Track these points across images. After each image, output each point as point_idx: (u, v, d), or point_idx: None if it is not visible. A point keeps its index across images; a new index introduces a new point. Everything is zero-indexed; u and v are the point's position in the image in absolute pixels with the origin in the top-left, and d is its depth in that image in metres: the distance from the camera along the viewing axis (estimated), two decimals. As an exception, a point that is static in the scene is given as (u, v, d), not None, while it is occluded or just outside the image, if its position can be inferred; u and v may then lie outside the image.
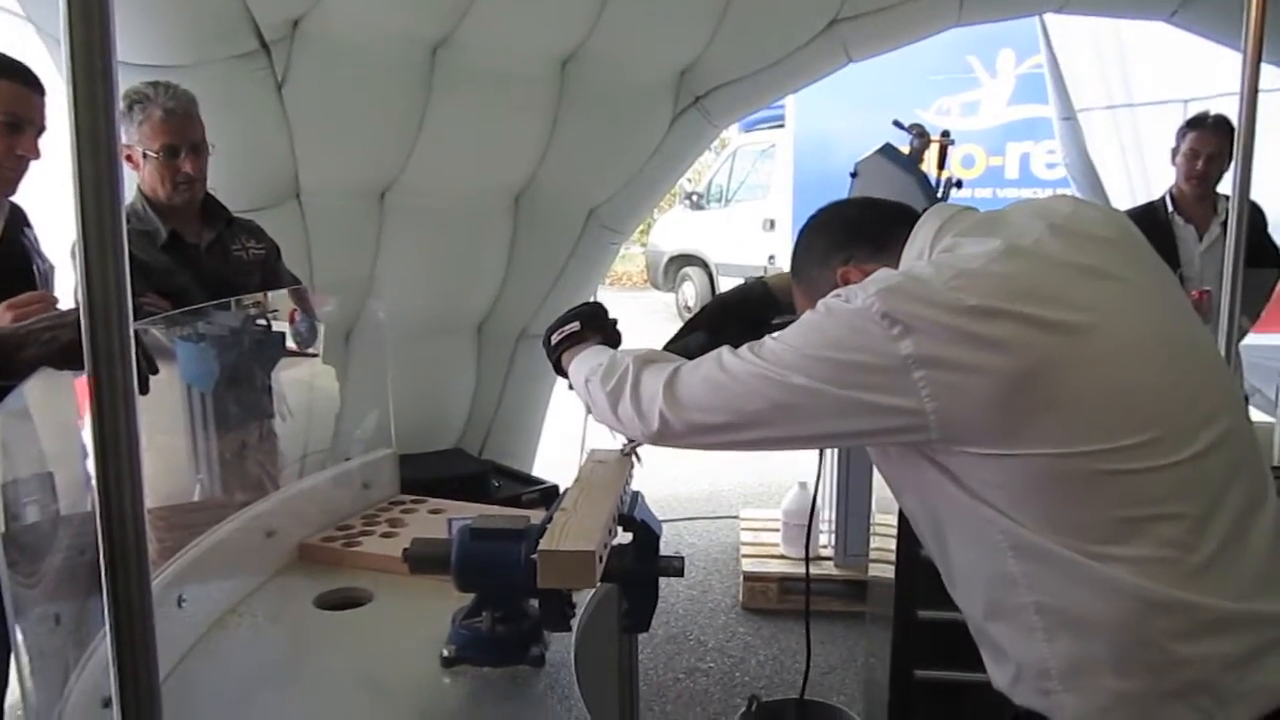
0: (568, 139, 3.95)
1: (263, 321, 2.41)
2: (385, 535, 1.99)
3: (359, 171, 3.58)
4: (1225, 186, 3.04)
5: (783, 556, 4.17)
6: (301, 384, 2.65)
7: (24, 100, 1.95)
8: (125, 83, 2.25)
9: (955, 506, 1.17)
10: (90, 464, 0.90)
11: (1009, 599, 1.16)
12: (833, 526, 4.07)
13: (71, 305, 1.71)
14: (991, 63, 9.91)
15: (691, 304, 12.66)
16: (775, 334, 1.20)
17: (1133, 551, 1.09)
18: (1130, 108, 6.34)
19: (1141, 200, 4.04)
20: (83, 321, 0.87)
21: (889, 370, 1.10)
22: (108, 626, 0.90)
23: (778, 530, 4.24)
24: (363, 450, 2.31)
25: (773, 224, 11.70)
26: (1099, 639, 1.11)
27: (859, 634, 3.63)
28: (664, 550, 1.46)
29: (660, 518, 1.52)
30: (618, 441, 1.62)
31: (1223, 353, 2.48)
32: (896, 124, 4.02)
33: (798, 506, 4.11)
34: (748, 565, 4.16)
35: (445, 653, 1.48)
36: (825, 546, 4.12)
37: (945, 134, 4.02)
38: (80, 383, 1.04)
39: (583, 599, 1.62)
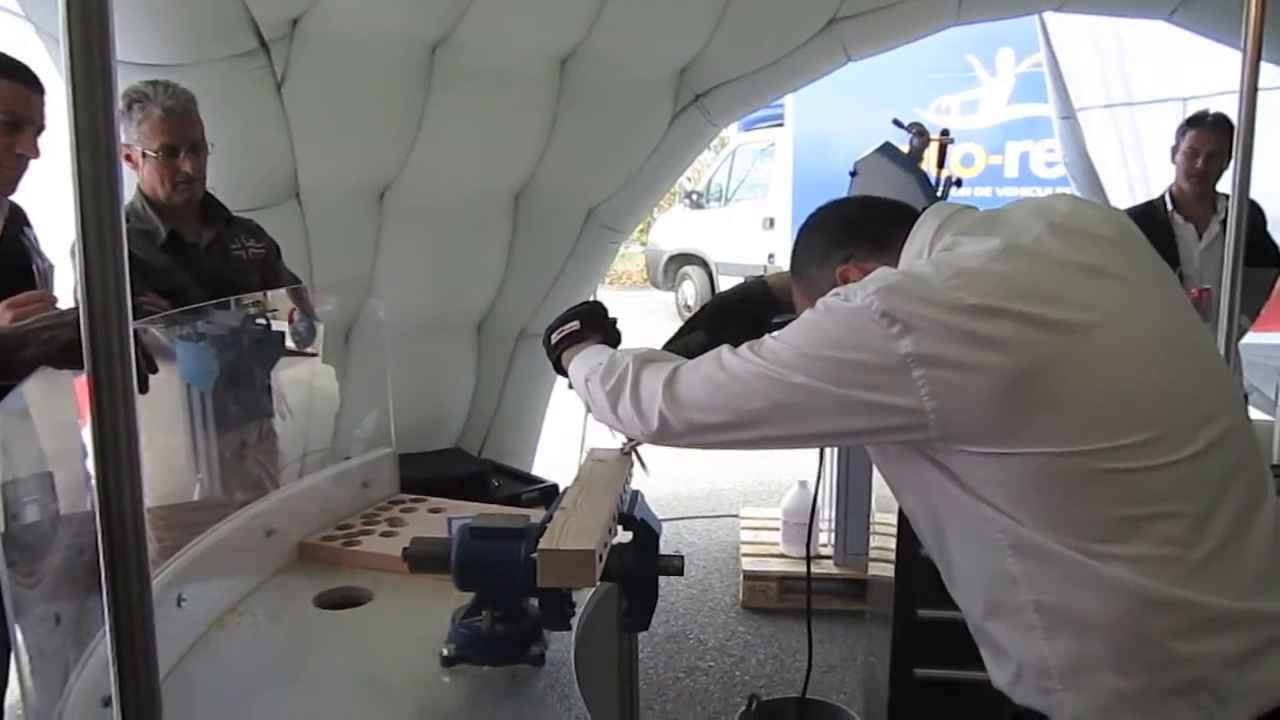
0: (567, 138, 3.95)
1: (262, 321, 2.41)
2: (385, 534, 1.99)
3: (358, 171, 3.58)
4: (1225, 185, 3.04)
5: (783, 555, 4.18)
6: (301, 383, 2.65)
7: (23, 99, 1.95)
8: (124, 82, 2.25)
9: (955, 505, 1.17)
10: (90, 463, 0.90)
11: (1009, 598, 1.17)
12: (833, 525, 4.07)
13: (71, 304, 1.71)
14: (991, 61, 9.91)
15: (691, 303, 12.67)
16: (775, 333, 1.20)
17: (1132, 550, 1.09)
18: (1129, 106, 6.34)
19: (1141, 199, 4.04)
20: (82, 321, 0.87)
21: (888, 369, 1.10)
22: (107, 626, 0.90)
23: (778, 529, 4.24)
24: (362, 449, 2.31)
25: (772, 223, 11.70)
26: (1099, 638, 1.11)
27: (859, 633, 3.63)
28: (664, 549, 1.46)
29: (660, 517, 1.52)
30: (617, 441, 1.62)
31: (1222, 351, 2.48)
32: (896, 123, 4.01)
33: (798, 505, 4.11)
34: (748, 564, 4.16)
35: (445, 652, 1.48)
36: (825, 545, 4.12)
37: (945, 133, 4.01)
38: (80, 382, 1.05)
39: (582, 598, 1.62)
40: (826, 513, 4.10)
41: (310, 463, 2.52)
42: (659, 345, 1.54)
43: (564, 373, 1.56)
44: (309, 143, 3.32)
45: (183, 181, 2.48)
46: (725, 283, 11.65)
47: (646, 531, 1.46)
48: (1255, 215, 3.16)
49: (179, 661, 1.51)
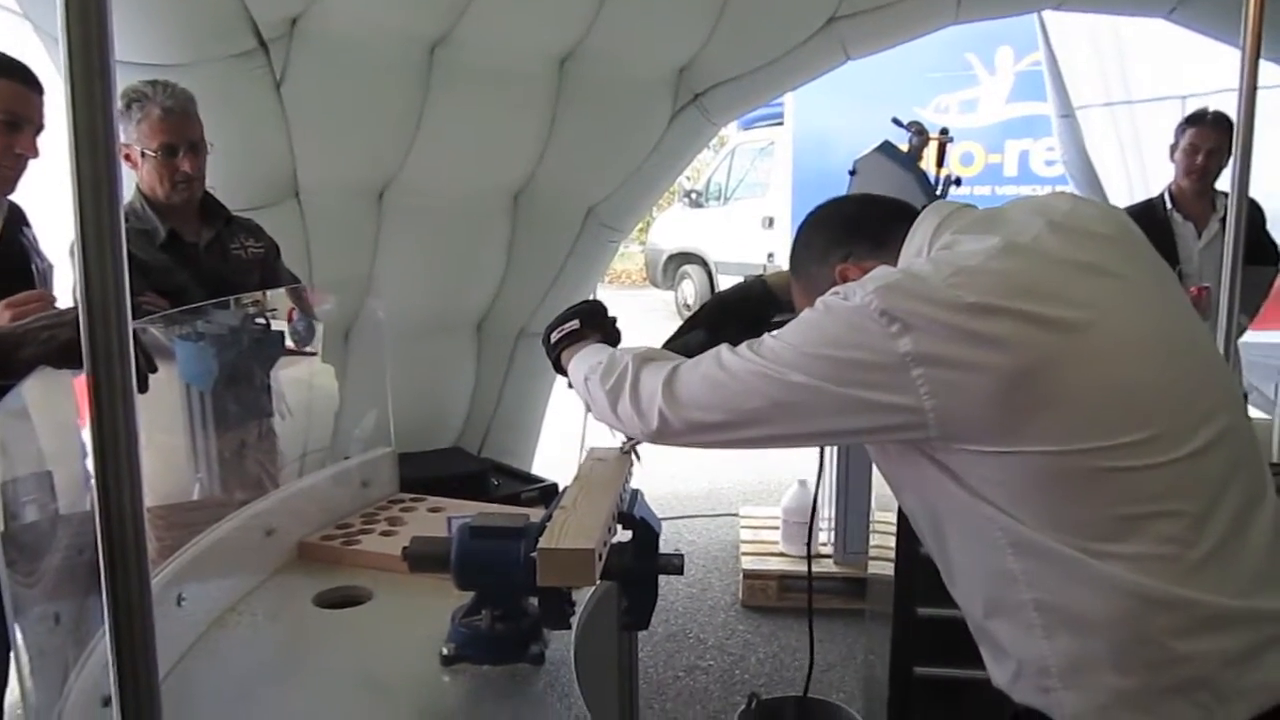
0: (566, 137, 3.94)
1: (262, 320, 2.40)
2: (384, 534, 1.99)
3: (358, 170, 3.58)
4: (1224, 183, 3.04)
5: (782, 554, 4.18)
6: (300, 383, 2.65)
7: (22, 99, 1.95)
8: (123, 81, 2.25)
9: (954, 504, 1.17)
10: (89, 463, 0.90)
11: (1008, 596, 1.17)
12: (832, 524, 4.07)
13: (70, 304, 1.71)
14: (990, 60, 9.91)
15: (691, 302, 12.67)
16: (774, 332, 1.20)
17: (1132, 549, 1.09)
18: (1129, 105, 6.34)
19: (1140, 197, 4.04)
20: (81, 320, 0.87)
21: (888, 368, 1.10)
22: (107, 625, 0.90)
23: (777, 528, 4.25)
24: (362, 449, 2.31)
25: (771, 222, 11.70)
26: (1098, 636, 1.11)
27: (858, 631, 3.63)
28: (663, 548, 1.46)
29: (660, 515, 1.52)
30: (617, 439, 1.62)
31: (1222, 350, 2.48)
32: (895, 121, 4.01)
33: (797, 504, 4.11)
34: (747, 563, 4.16)
35: (445, 651, 1.48)
36: (825, 544, 4.12)
37: (944, 131, 4.01)
38: (79, 382, 1.05)
39: (582, 597, 1.62)
40: (826, 511, 4.10)
41: (310, 462, 2.52)
42: (658, 344, 1.54)
43: (563, 372, 1.56)
44: (308, 142, 3.32)
45: (182, 181, 2.48)
46: (724, 282, 11.65)
47: (646, 530, 1.46)
48: (1254, 213, 3.16)
49: (179, 661, 1.51)
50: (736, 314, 1.66)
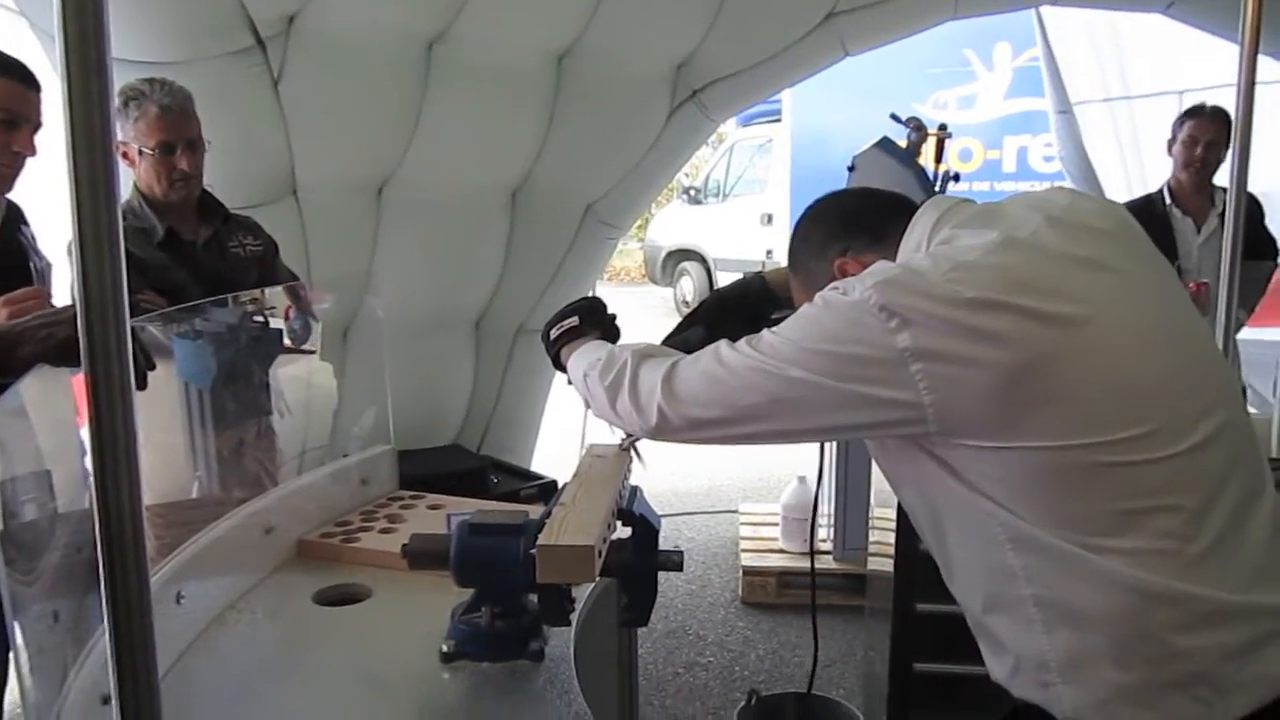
0: (564, 134, 3.94)
1: (260, 318, 2.40)
2: (384, 531, 1.99)
3: (356, 167, 3.57)
4: (1222, 178, 3.04)
5: (782, 551, 4.18)
6: (299, 380, 2.64)
7: (20, 97, 1.94)
8: (120, 79, 2.25)
9: (954, 499, 1.18)
10: (88, 461, 0.90)
11: (1008, 592, 1.17)
12: (832, 521, 4.07)
13: (68, 302, 1.71)
14: (988, 56, 9.91)
15: (689, 299, 12.66)
16: (773, 327, 1.20)
17: (1131, 544, 1.09)
18: (1127, 100, 6.34)
19: (1138, 193, 4.04)
20: (79, 318, 0.87)
21: (887, 363, 1.10)
22: (106, 623, 0.90)
23: (777, 525, 4.25)
24: (361, 446, 2.31)
25: (770, 218, 11.70)
26: (1098, 631, 1.11)
27: (858, 628, 3.63)
28: (663, 545, 1.46)
29: (659, 512, 1.52)
30: (616, 436, 1.62)
31: (1220, 345, 2.48)
32: (893, 118, 4.01)
33: (797, 501, 4.11)
34: (747, 560, 4.16)
35: (444, 648, 1.48)
36: (824, 541, 4.12)
37: (942, 127, 4.01)
38: (77, 380, 1.05)
39: (582, 594, 1.62)
40: (825, 508, 4.10)
41: (309, 460, 2.52)
42: (657, 341, 1.54)
43: (563, 368, 1.56)
44: (306, 140, 3.32)
45: (179, 179, 2.47)
46: (723, 279, 11.63)
47: (646, 527, 1.46)
48: (1253, 209, 3.16)
49: (178, 659, 1.51)
50: (735, 310, 1.66)
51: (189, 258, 2.54)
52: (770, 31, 4.24)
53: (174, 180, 2.47)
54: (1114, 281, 1.17)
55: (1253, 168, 2.52)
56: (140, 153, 2.44)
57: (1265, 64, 2.62)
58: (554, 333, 1.58)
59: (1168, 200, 3.71)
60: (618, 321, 1.64)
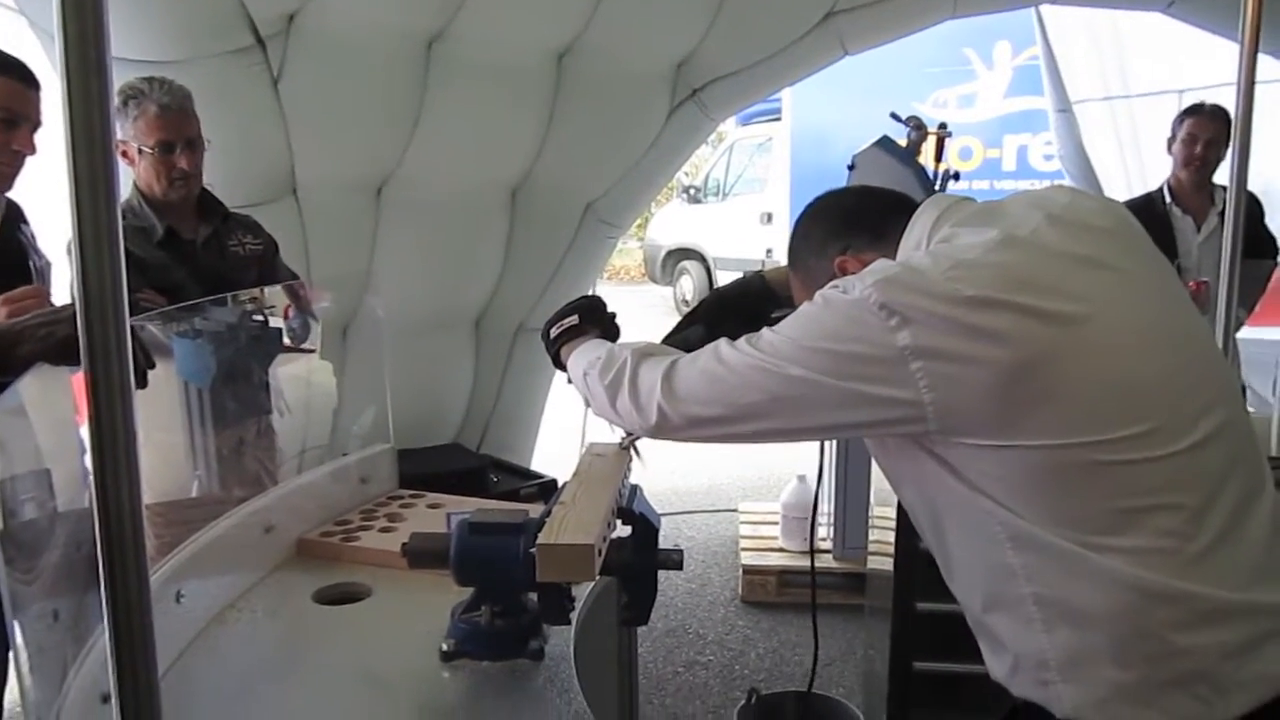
0: (564, 133, 3.94)
1: (260, 317, 2.40)
2: (384, 530, 1.99)
3: (355, 166, 3.57)
4: (1222, 177, 3.04)
5: (781, 550, 4.18)
6: (299, 379, 2.64)
7: (19, 96, 1.94)
8: (120, 78, 2.25)
9: (953, 498, 1.17)
10: (87, 460, 0.90)
11: (1007, 590, 1.17)
12: (831, 519, 4.07)
13: (68, 301, 1.71)
14: (988, 55, 9.91)
15: (689, 298, 12.66)
16: (773, 326, 1.20)
17: (1131, 542, 1.09)
18: (1127, 99, 6.34)
19: (1138, 192, 4.04)
20: (79, 317, 0.87)
21: (887, 361, 1.10)
22: (106, 622, 0.90)
23: (777, 524, 4.25)
24: (360, 445, 2.31)
25: (770, 217, 11.71)
26: (1097, 630, 1.11)
27: (858, 626, 3.63)
28: (663, 544, 1.46)
29: (659, 511, 1.52)
30: (616, 435, 1.62)
31: (1220, 344, 2.48)
32: (893, 116, 4.01)
33: (796, 500, 4.11)
34: (747, 558, 4.16)
35: (444, 647, 1.48)
36: (824, 539, 4.12)
37: (942, 126, 4.00)
38: (77, 379, 1.05)
39: (582, 592, 1.62)
40: (825, 507, 4.10)
41: (308, 459, 2.52)
42: (657, 340, 1.54)
43: (563, 367, 1.56)
44: (306, 138, 3.32)
45: (179, 178, 2.47)
46: (723, 278, 11.61)
47: (645, 526, 1.46)
48: (1253, 207, 3.16)
49: (178, 658, 1.51)
50: (735, 309, 1.66)
51: (188, 256, 2.54)
52: (770, 30, 4.24)
53: (173, 179, 2.47)
54: (1114, 280, 1.17)
55: (1252, 166, 2.52)
56: (140, 151, 2.44)
57: (1265, 62, 2.62)
58: (554, 331, 1.58)
59: (1167, 199, 3.70)
60: (617, 320, 1.63)
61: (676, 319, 1.74)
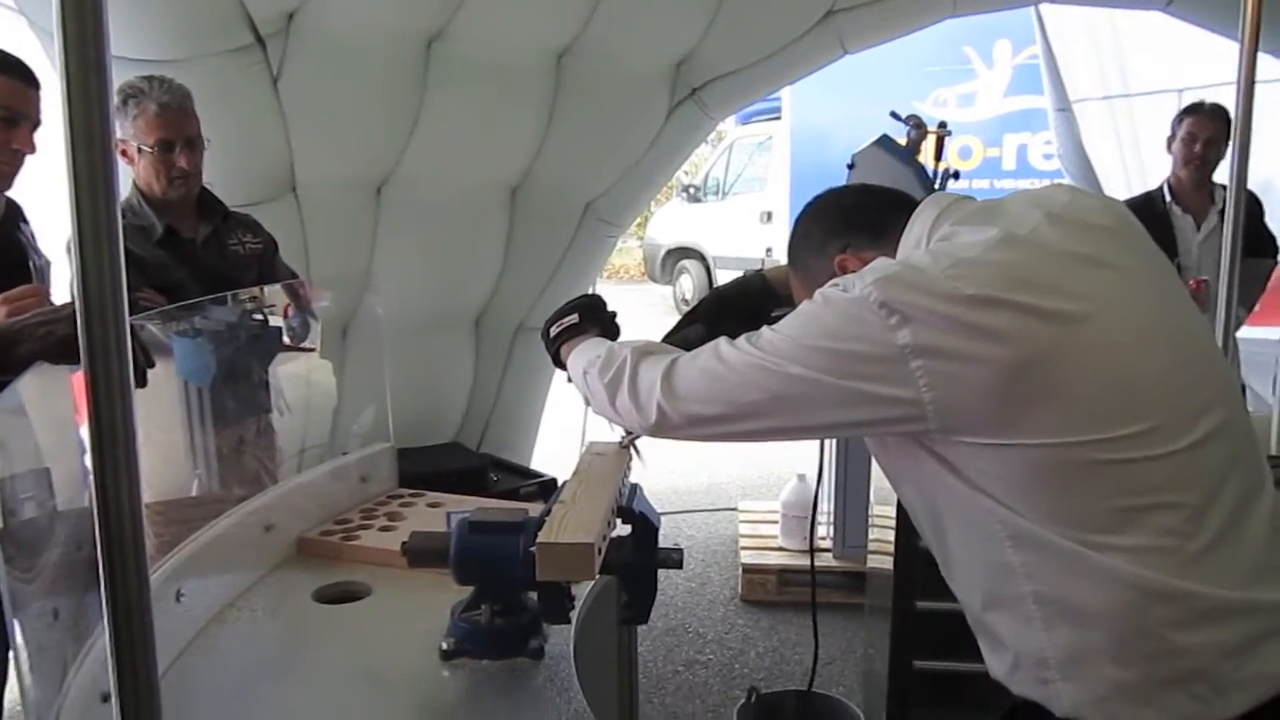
0: (564, 132, 3.94)
1: (260, 316, 2.40)
2: (383, 529, 1.99)
3: (355, 165, 3.57)
4: (1221, 176, 3.04)
5: (781, 549, 4.18)
6: (299, 378, 2.64)
7: (19, 95, 1.94)
8: (119, 77, 2.25)
9: (953, 497, 1.17)
10: (87, 459, 0.90)
11: (1007, 589, 1.17)
12: (831, 518, 4.07)
13: (67, 299, 1.71)
14: (988, 54, 9.91)
15: (689, 297, 12.66)
16: (773, 325, 1.20)
17: (1131, 541, 1.09)
18: (1126, 98, 6.34)
19: (1138, 191, 4.05)
20: (78, 316, 0.87)
21: (887, 360, 1.10)
22: (106, 621, 0.90)
23: (776, 522, 4.25)
24: (360, 444, 2.31)
25: (770, 216, 11.71)
26: (1097, 628, 1.11)
27: (858, 625, 3.63)
28: (663, 542, 1.46)
29: (659, 510, 1.52)
30: (616, 434, 1.62)
31: (1220, 343, 2.48)
32: (893, 115, 4.01)
33: (796, 499, 4.11)
34: (746, 557, 4.16)
35: (444, 645, 1.48)
36: (824, 538, 4.12)
37: (942, 125, 4.00)
38: (76, 377, 1.04)
39: (582, 591, 1.62)
40: (825, 505, 4.10)
41: (308, 458, 2.52)
42: (657, 339, 1.54)
43: (562, 366, 1.56)
44: (305, 137, 3.32)
45: (179, 177, 2.47)
46: (723, 276, 11.63)
47: (645, 525, 1.46)
48: (1253, 206, 3.16)
49: (178, 657, 1.51)
50: (735, 308, 1.66)
51: (188, 255, 2.54)
52: (769, 29, 4.24)
53: (173, 178, 2.47)
54: (1114, 278, 1.17)
55: (1252, 165, 2.52)
56: (139, 150, 2.44)
57: (1265, 61, 2.62)
58: (554, 330, 1.58)
59: (1167, 198, 3.71)
60: (617, 319, 1.63)
61: (676, 318, 1.74)
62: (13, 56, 1.96)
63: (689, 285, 12.92)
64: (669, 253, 13.39)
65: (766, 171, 12.14)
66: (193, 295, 2.32)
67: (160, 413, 2.12)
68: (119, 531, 0.89)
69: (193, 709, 1.40)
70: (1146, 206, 3.60)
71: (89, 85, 0.84)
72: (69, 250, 1.77)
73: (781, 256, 1.54)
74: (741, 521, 4.57)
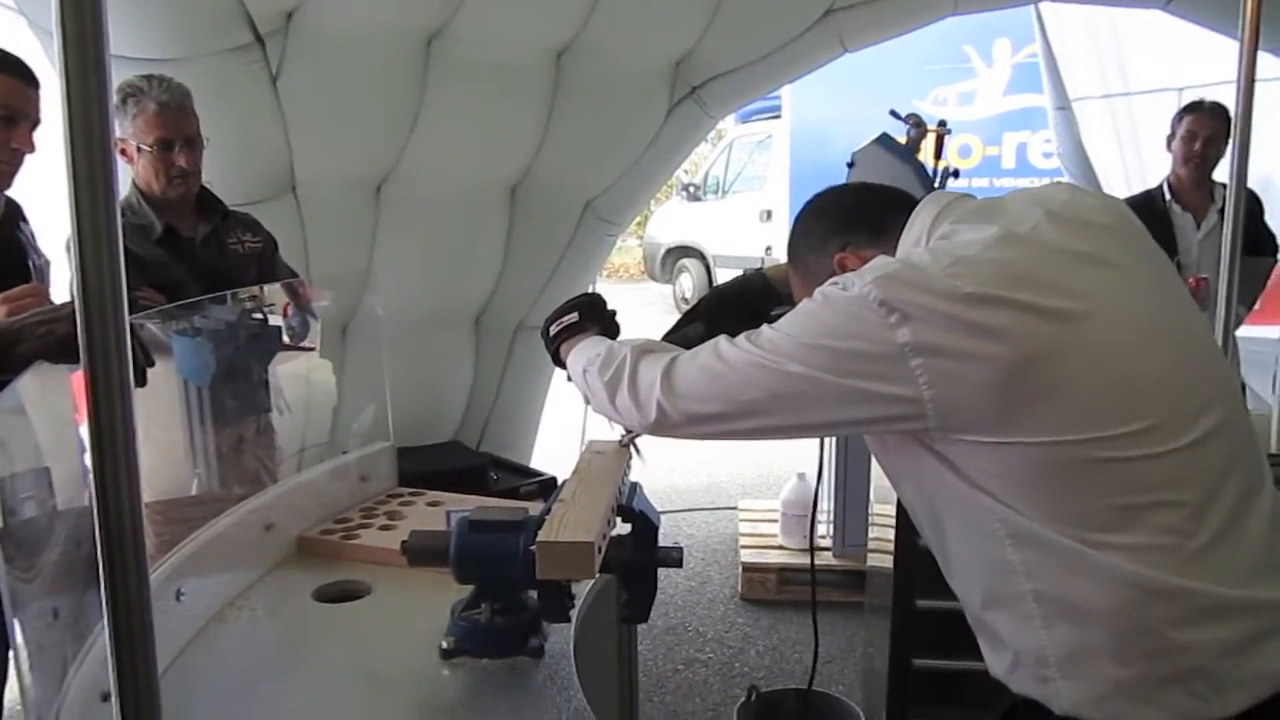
0: (563, 130, 3.94)
1: (259, 315, 2.40)
2: (383, 528, 1.99)
3: (355, 164, 3.57)
4: (1221, 174, 3.04)
5: (781, 547, 4.18)
6: (299, 378, 2.64)
7: (19, 94, 1.94)
8: (119, 76, 2.24)
9: (953, 495, 1.17)
10: (87, 458, 0.90)
11: (1007, 587, 1.17)
12: (831, 517, 4.07)
13: (67, 299, 1.71)
14: (988, 52, 9.91)
15: (689, 296, 12.66)
16: (772, 323, 1.20)
17: (1131, 539, 1.09)
18: (1126, 96, 6.34)
19: (1137, 189, 4.05)
20: (78, 315, 0.87)
21: (886, 358, 1.10)
22: (106, 620, 0.90)
23: (776, 521, 4.25)
24: (360, 443, 2.31)
25: (770, 215, 11.71)
26: (1097, 626, 1.11)
27: (858, 624, 3.63)
28: (662, 541, 1.46)
29: (659, 509, 1.52)
30: (616, 433, 1.62)
31: (1220, 341, 2.48)
32: (893, 114, 4.01)
33: (796, 497, 4.11)
34: (746, 556, 4.16)
35: (444, 644, 1.48)
36: (824, 537, 4.12)
37: (942, 124, 4.00)
38: (76, 377, 1.04)
39: (582, 590, 1.62)
40: (825, 504, 4.10)
41: (308, 457, 2.52)
42: (657, 338, 1.54)
43: (562, 365, 1.56)
44: (305, 136, 3.31)
45: (178, 176, 2.47)
46: (723, 275, 11.63)
47: (645, 523, 1.46)
48: (1253, 205, 3.16)
49: (178, 656, 1.51)
50: (735, 307, 1.66)
51: (187, 254, 2.54)
52: (769, 28, 4.24)
53: (172, 177, 2.47)
54: (1114, 277, 1.17)
55: (1252, 164, 2.52)
56: (139, 149, 2.44)
57: (1265, 60, 2.62)
58: (553, 329, 1.58)
59: (1167, 196, 3.71)
60: (617, 318, 1.64)
61: (676, 317, 1.74)
62: (12, 55, 1.96)
63: (689, 284, 12.92)
64: (669, 251, 13.38)
65: (766, 170, 12.14)
66: (192, 294, 2.32)
67: (160, 412, 2.12)
68: (119, 530, 0.89)
69: (193, 708, 1.40)
70: (1146, 205, 3.60)
71: (88, 84, 0.84)
72: (68, 249, 1.76)
73: (781, 255, 1.54)
74: (741, 520, 4.57)
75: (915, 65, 9.41)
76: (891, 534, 2.59)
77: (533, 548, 1.30)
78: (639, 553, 1.44)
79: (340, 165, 3.50)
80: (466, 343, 4.28)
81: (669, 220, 13.61)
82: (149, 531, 0.93)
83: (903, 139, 3.86)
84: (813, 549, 2.07)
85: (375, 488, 2.22)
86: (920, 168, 3.77)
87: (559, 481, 1.56)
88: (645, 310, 11.30)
